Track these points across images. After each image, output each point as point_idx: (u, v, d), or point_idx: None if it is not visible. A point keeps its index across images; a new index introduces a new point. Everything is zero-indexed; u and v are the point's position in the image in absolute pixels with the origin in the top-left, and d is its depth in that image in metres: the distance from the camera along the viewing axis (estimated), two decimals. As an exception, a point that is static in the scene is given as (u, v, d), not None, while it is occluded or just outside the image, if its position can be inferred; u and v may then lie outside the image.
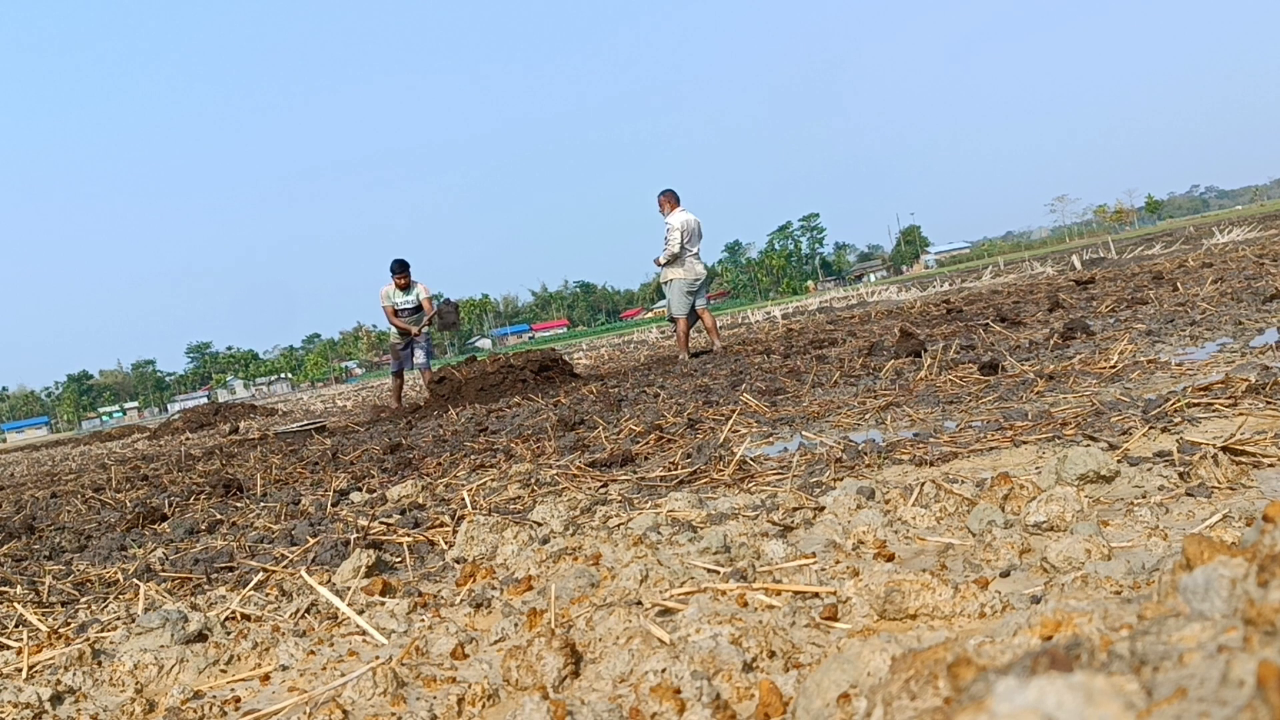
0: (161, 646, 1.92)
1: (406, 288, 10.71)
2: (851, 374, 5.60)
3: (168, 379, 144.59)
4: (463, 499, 3.48)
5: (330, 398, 24.51)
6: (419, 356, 10.71)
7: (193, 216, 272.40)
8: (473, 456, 4.79)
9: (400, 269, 10.65)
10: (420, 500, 3.67)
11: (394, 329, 10.71)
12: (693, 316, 9.96)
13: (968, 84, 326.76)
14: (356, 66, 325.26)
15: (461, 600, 2.12)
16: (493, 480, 3.87)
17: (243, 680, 1.79)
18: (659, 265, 9.76)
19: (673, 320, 10.00)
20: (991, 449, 2.93)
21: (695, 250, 9.75)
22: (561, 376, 9.17)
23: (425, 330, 10.76)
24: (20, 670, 1.94)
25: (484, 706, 1.50)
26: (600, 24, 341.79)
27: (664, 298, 10.12)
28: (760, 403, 4.90)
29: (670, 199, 9.75)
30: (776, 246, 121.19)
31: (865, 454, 3.12)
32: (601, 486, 3.38)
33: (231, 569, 2.94)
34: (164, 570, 3.05)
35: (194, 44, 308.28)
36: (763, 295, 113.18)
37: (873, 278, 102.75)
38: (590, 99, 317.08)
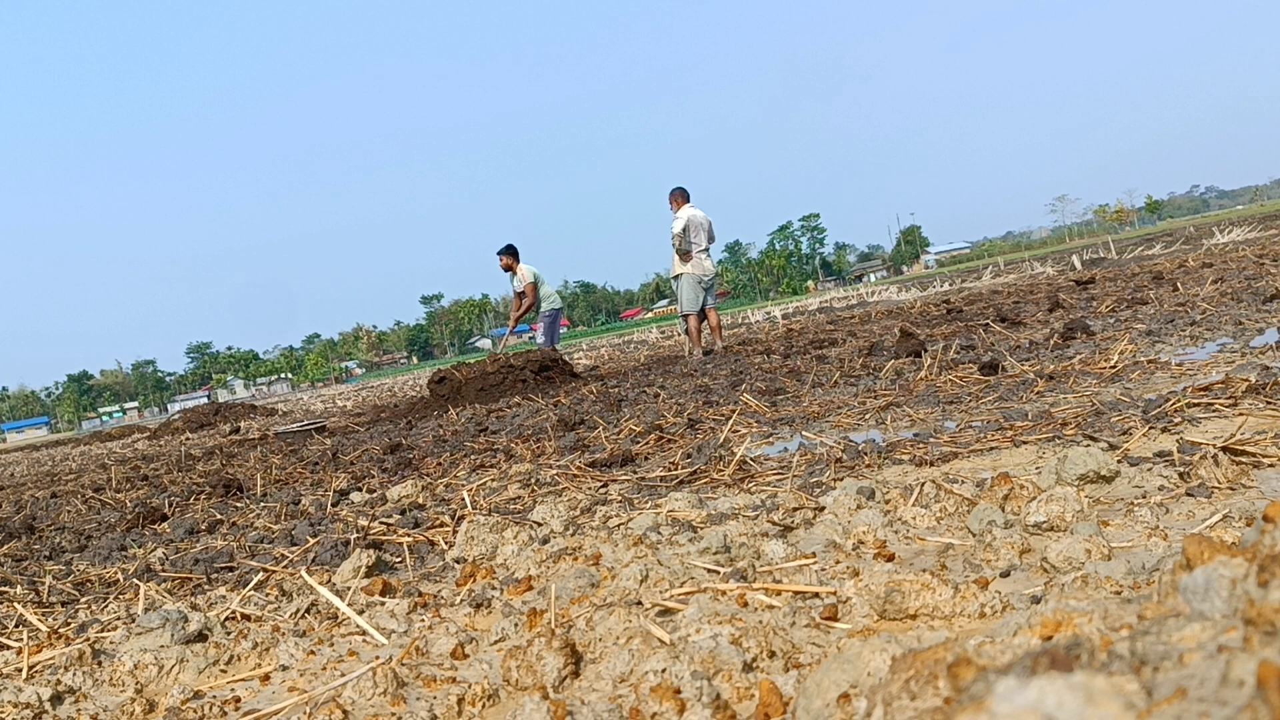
0: (161, 646, 1.92)
1: (509, 270, 10.98)
2: (851, 374, 5.60)
3: (168, 379, 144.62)
4: (463, 499, 3.47)
5: (330, 398, 24.50)
6: (539, 336, 11.12)
7: (193, 216, 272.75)
8: (473, 456, 4.79)
9: (500, 252, 10.96)
10: (420, 500, 3.66)
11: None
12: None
13: (968, 83, 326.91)
14: (350, 59, 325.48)
15: (461, 600, 2.11)
16: (493, 480, 3.87)
17: (243, 680, 1.79)
18: (676, 244, 9.83)
19: (684, 318, 10.05)
20: (991, 449, 2.93)
21: (704, 247, 9.84)
22: (561, 376, 9.16)
23: (532, 318, 11.13)
24: (20, 670, 1.94)
25: (484, 706, 1.49)
26: (599, 19, 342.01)
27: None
28: (760, 403, 4.90)
29: (679, 197, 9.99)
30: (777, 246, 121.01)
31: (865, 454, 3.12)
32: (601, 486, 3.38)
33: (231, 569, 2.94)
34: (164, 570, 3.05)
35: (193, 43, 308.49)
36: (763, 295, 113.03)
37: (873, 278, 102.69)
38: (589, 96, 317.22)
